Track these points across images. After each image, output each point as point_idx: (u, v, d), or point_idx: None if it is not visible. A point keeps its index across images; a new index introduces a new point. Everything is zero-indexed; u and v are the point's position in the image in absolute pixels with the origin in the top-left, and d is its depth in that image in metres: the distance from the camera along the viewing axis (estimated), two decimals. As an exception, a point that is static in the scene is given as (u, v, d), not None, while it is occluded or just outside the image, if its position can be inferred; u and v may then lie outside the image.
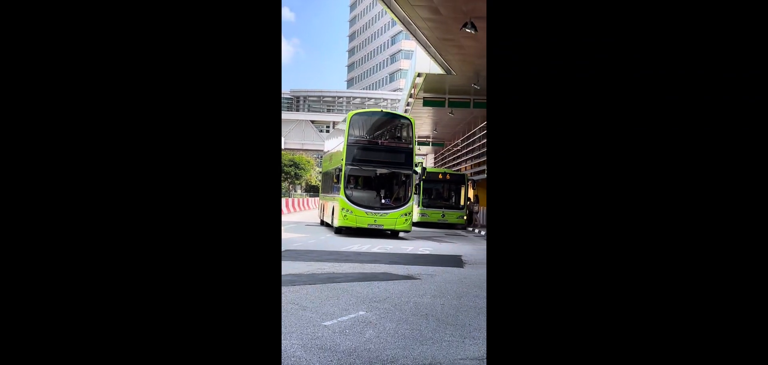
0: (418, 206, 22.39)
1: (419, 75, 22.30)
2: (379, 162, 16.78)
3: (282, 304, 7.34)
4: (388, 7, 13.34)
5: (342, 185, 16.22)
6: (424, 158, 40.21)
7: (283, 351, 5.22)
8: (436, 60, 18.76)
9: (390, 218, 16.28)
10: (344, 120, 17.39)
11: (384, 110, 18.23)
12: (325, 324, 5.75)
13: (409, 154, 16.75)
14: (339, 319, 6.02)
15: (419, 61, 21.40)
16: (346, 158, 16.38)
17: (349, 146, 16.53)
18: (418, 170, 17.19)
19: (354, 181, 16.89)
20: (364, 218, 16.07)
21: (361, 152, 16.63)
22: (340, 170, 16.43)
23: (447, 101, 23.48)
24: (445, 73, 19.62)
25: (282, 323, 6.21)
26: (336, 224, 16.34)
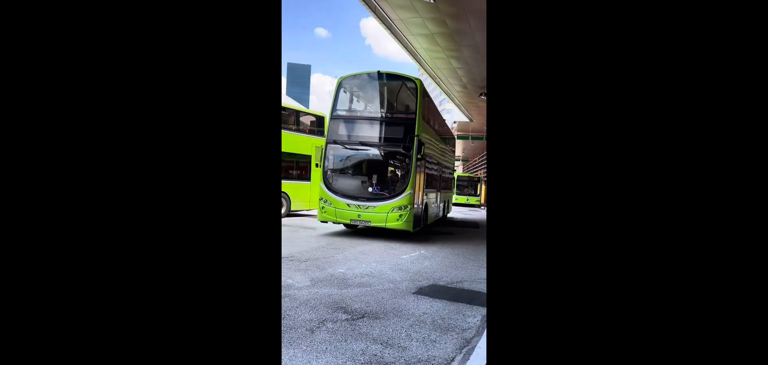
0: None
1: (455, 122, 31.25)
2: (367, 138, 10.25)
3: (382, 247, 8.33)
4: (439, 86, 18.18)
5: (321, 169, 10.57)
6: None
7: (380, 272, 5.95)
8: (464, 113, 24.65)
9: (378, 213, 9.74)
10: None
11: (385, 72, 10.86)
12: (402, 257, 7.53)
13: (411, 126, 10.08)
14: (410, 255, 7.82)
15: (456, 114, 29.97)
16: (327, 134, 10.48)
17: (332, 118, 10.50)
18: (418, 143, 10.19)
19: (336, 163, 10.48)
20: (344, 211, 9.94)
21: (347, 125, 10.46)
22: (322, 150, 10.75)
23: (470, 136, 28.98)
24: (469, 120, 24.33)
25: (380, 256, 7.39)
26: (319, 217, 10.49)
